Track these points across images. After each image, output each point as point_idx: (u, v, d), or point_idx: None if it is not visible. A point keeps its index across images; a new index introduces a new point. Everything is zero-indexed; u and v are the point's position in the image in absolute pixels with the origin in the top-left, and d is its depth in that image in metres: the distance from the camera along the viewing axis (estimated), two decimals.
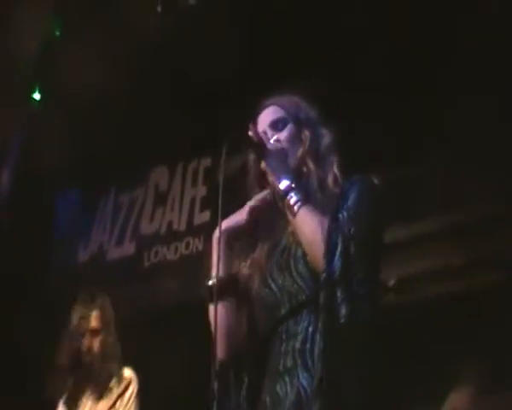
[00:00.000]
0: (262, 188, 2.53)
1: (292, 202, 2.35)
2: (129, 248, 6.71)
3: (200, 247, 6.15)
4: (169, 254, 6.40)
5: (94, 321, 4.28)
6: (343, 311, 2.16)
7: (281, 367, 2.33)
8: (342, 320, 2.15)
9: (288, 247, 2.44)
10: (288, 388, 2.28)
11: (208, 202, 6.21)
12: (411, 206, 4.66)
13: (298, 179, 2.43)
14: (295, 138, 2.54)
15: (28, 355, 5.27)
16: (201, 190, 6.36)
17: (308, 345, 2.28)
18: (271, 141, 2.49)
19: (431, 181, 4.66)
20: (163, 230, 6.54)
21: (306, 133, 2.55)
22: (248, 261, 2.54)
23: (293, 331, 2.34)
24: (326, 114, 2.65)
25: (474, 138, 4.49)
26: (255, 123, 2.55)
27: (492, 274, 4.44)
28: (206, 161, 6.34)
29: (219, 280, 2.45)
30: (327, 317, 2.18)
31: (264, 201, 2.53)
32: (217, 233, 2.48)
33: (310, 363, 2.25)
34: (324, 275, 2.21)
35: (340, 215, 2.27)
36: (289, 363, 2.31)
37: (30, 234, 6.57)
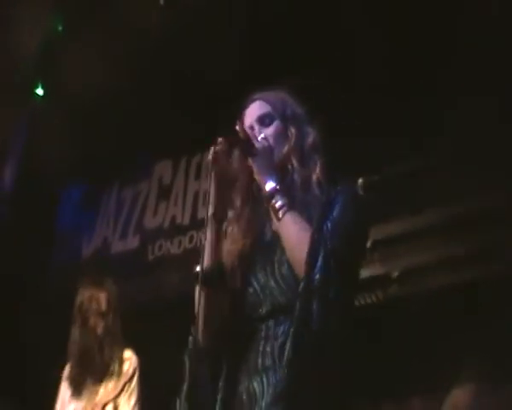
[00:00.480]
0: (247, 182, 2.52)
1: (277, 206, 2.36)
2: (133, 241, 6.73)
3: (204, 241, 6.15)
4: (173, 247, 6.41)
5: (102, 303, 4.37)
6: (316, 323, 2.18)
7: (259, 366, 2.35)
8: (313, 332, 2.17)
9: (272, 246, 2.45)
10: (265, 387, 2.30)
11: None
12: (413, 199, 4.66)
13: (282, 177, 2.44)
14: (281, 135, 2.54)
15: (29, 354, 5.30)
16: (205, 184, 6.34)
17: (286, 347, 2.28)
18: (258, 137, 2.48)
19: (432, 174, 4.65)
20: (166, 224, 6.55)
21: (292, 130, 2.54)
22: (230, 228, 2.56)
23: (273, 332, 2.36)
24: (318, 112, 2.65)
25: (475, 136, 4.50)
26: (242, 118, 2.55)
27: (494, 266, 4.46)
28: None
29: (206, 267, 2.45)
30: (299, 326, 2.20)
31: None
32: (209, 213, 2.48)
33: None
34: (302, 285, 2.23)
35: (325, 226, 2.28)
36: (268, 362, 2.33)
37: (33, 231, 6.58)
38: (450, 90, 4.52)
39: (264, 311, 2.41)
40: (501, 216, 4.45)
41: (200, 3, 5.51)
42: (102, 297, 4.38)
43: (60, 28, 6.14)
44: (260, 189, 2.43)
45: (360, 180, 4.08)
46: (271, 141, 2.50)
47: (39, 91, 6.66)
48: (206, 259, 2.47)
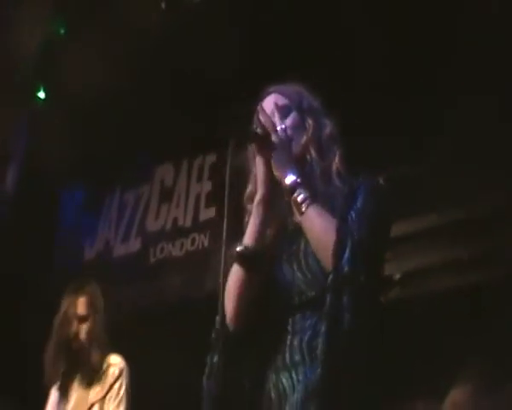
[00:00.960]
0: (267, 175, 2.46)
1: (299, 199, 2.33)
2: (135, 244, 6.72)
3: (206, 243, 6.16)
4: (174, 250, 6.40)
5: (81, 307, 4.33)
6: (348, 315, 2.16)
7: (288, 361, 2.32)
8: (346, 324, 2.15)
9: (296, 239, 2.43)
10: (295, 383, 2.27)
11: (214, 198, 6.20)
12: (416, 201, 4.65)
13: (301, 168, 2.41)
14: (299, 126, 2.52)
15: (30, 354, 5.28)
16: (207, 186, 6.36)
17: (315, 342, 2.26)
18: (278, 128, 2.44)
19: (435, 176, 4.64)
20: (168, 226, 6.54)
21: (310, 121, 2.53)
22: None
23: (300, 326, 2.33)
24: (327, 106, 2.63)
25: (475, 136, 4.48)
26: (258, 112, 2.49)
27: (496, 269, 4.43)
28: (212, 157, 6.33)
29: (249, 247, 2.42)
30: (332, 321, 2.18)
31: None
32: (257, 197, 2.45)
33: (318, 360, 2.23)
34: (331, 277, 2.21)
35: (349, 217, 2.27)
36: (296, 358, 2.30)
37: (33, 232, 6.59)
38: (450, 90, 4.51)
39: (290, 304, 2.38)
40: (504, 218, 4.42)
41: (200, 3, 5.51)
42: (82, 301, 4.35)
43: (60, 29, 6.14)
44: (280, 182, 2.39)
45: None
46: (289, 132, 2.48)
47: (41, 94, 6.68)
48: (250, 239, 2.43)
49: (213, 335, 2.39)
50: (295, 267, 2.40)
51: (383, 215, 2.36)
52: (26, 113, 6.66)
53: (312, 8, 5.03)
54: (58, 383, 4.33)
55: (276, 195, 2.46)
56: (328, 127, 2.56)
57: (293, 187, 2.35)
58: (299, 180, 2.35)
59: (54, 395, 4.38)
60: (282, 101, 2.55)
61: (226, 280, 2.40)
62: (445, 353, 4.40)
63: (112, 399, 4.21)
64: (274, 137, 2.41)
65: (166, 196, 6.65)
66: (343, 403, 2.14)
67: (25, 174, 6.65)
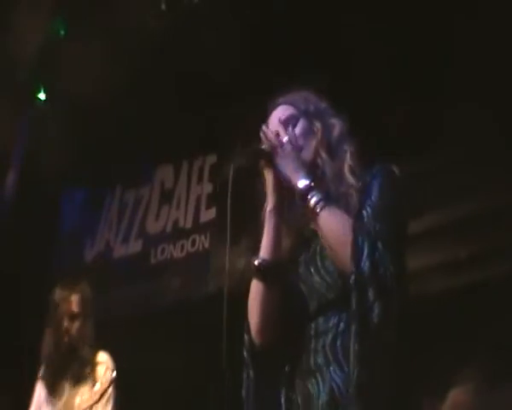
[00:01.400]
0: (275, 191, 2.47)
1: (313, 202, 2.31)
2: (135, 245, 6.72)
3: (207, 244, 6.17)
4: (175, 251, 6.40)
5: (74, 305, 4.36)
6: (376, 311, 2.13)
7: (312, 365, 2.31)
8: (375, 321, 2.13)
9: (311, 243, 2.43)
10: (321, 386, 2.26)
11: (214, 200, 6.21)
12: (413, 200, 4.63)
13: (313, 172, 2.40)
14: (308, 132, 2.51)
15: (29, 354, 5.28)
16: (207, 188, 6.36)
17: (339, 342, 2.26)
18: (284, 140, 2.42)
19: (433, 176, 4.63)
20: (169, 227, 6.54)
21: (317, 125, 2.52)
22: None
23: (322, 329, 2.32)
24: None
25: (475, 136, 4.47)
26: (264, 129, 2.48)
27: (496, 269, 4.43)
28: (212, 159, 6.34)
29: (264, 261, 2.42)
30: (361, 320, 2.15)
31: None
32: (268, 208, 2.46)
33: (342, 360, 2.23)
34: (353, 277, 2.18)
35: (364, 212, 2.25)
36: (320, 360, 2.29)
37: (33, 232, 6.59)
38: (450, 89, 4.51)
39: (311, 309, 2.37)
40: (502, 218, 4.42)
41: (200, 3, 5.52)
42: (75, 299, 4.37)
43: (60, 30, 6.15)
44: (293, 190, 2.37)
45: None
46: (300, 141, 2.47)
47: (41, 95, 6.68)
48: (266, 251, 2.43)
49: (244, 353, 2.43)
50: (313, 271, 2.39)
51: (399, 206, 2.33)
52: (26, 114, 6.66)
53: (312, 8, 5.03)
54: (46, 379, 4.34)
55: (290, 205, 2.47)
56: (337, 127, 2.54)
57: (306, 191, 2.33)
58: (312, 184, 2.33)
59: (41, 391, 4.38)
60: (288, 111, 2.55)
61: (230, 281, 2.41)
62: (445, 353, 4.40)
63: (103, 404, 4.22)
64: (281, 150, 2.40)
65: (167, 197, 6.66)
66: (384, 400, 2.13)
67: (25, 175, 6.65)
